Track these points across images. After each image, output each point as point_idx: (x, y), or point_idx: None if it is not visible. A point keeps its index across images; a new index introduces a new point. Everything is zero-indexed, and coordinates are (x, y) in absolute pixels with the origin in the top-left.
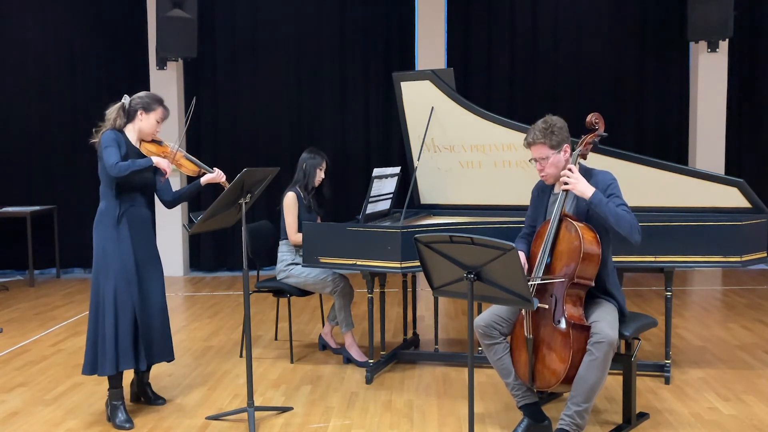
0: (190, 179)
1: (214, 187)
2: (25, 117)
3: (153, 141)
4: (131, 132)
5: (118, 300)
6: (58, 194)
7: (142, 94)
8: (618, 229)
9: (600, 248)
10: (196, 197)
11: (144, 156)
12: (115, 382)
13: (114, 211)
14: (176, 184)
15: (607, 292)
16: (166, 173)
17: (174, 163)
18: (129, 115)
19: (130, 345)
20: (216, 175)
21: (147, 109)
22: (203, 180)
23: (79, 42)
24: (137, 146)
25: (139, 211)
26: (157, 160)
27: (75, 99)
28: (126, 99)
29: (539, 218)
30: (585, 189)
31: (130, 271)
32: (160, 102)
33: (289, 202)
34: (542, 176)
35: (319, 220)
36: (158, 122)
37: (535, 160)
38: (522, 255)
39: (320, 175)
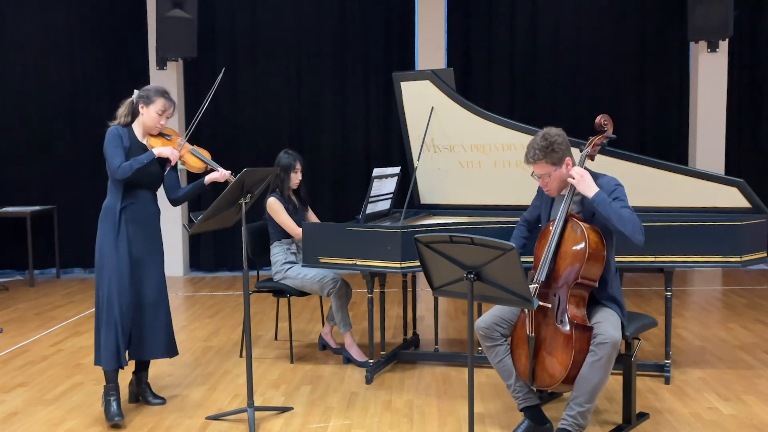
0: (196, 176)
1: (215, 187)
2: (25, 117)
3: (160, 135)
4: (137, 127)
5: (112, 298)
6: (58, 194)
7: (146, 86)
8: (621, 228)
9: (605, 249)
10: (197, 197)
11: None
12: (110, 377)
13: (115, 208)
14: (183, 180)
15: (610, 297)
16: (173, 162)
17: (179, 159)
18: (135, 111)
19: (123, 344)
20: (219, 175)
21: (147, 101)
22: (206, 179)
23: (78, 42)
24: (143, 141)
25: (142, 208)
26: (159, 151)
27: (75, 99)
28: (135, 94)
29: (543, 213)
30: (588, 187)
31: (123, 271)
32: (161, 93)
33: (274, 206)
34: (546, 191)
35: (310, 212)
36: (159, 115)
37: (538, 177)
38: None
39: (296, 177)
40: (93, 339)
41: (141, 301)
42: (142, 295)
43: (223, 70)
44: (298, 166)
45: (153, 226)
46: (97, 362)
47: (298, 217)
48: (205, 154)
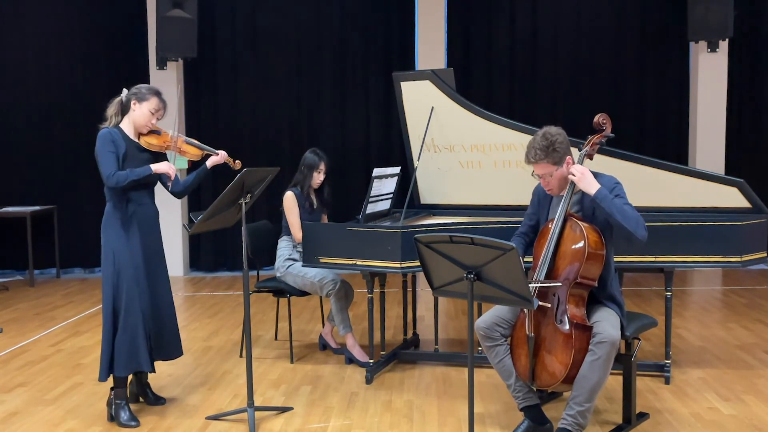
0: (196, 165)
1: (215, 187)
2: (25, 117)
3: (152, 132)
4: (127, 125)
5: (130, 304)
6: (58, 194)
7: (139, 85)
8: (624, 223)
9: (604, 249)
10: (197, 192)
11: (144, 149)
12: (120, 382)
13: (121, 213)
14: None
15: (609, 297)
16: (171, 177)
17: (176, 151)
18: (124, 109)
19: (145, 347)
20: (219, 158)
21: (140, 99)
22: (208, 164)
23: (79, 42)
24: (136, 140)
25: (146, 210)
26: (156, 167)
27: (75, 99)
28: (124, 93)
29: (541, 219)
30: (590, 185)
31: (140, 274)
32: (154, 93)
33: (288, 202)
34: (548, 190)
35: (325, 218)
36: (152, 113)
37: (539, 176)
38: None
39: (318, 177)
40: (93, 339)
41: (157, 302)
42: (158, 296)
43: (183, 83)
44: (322, 167)
45: (155, 227)
46: (104, 377)
47: (314, 217)
48: (197, 142)
